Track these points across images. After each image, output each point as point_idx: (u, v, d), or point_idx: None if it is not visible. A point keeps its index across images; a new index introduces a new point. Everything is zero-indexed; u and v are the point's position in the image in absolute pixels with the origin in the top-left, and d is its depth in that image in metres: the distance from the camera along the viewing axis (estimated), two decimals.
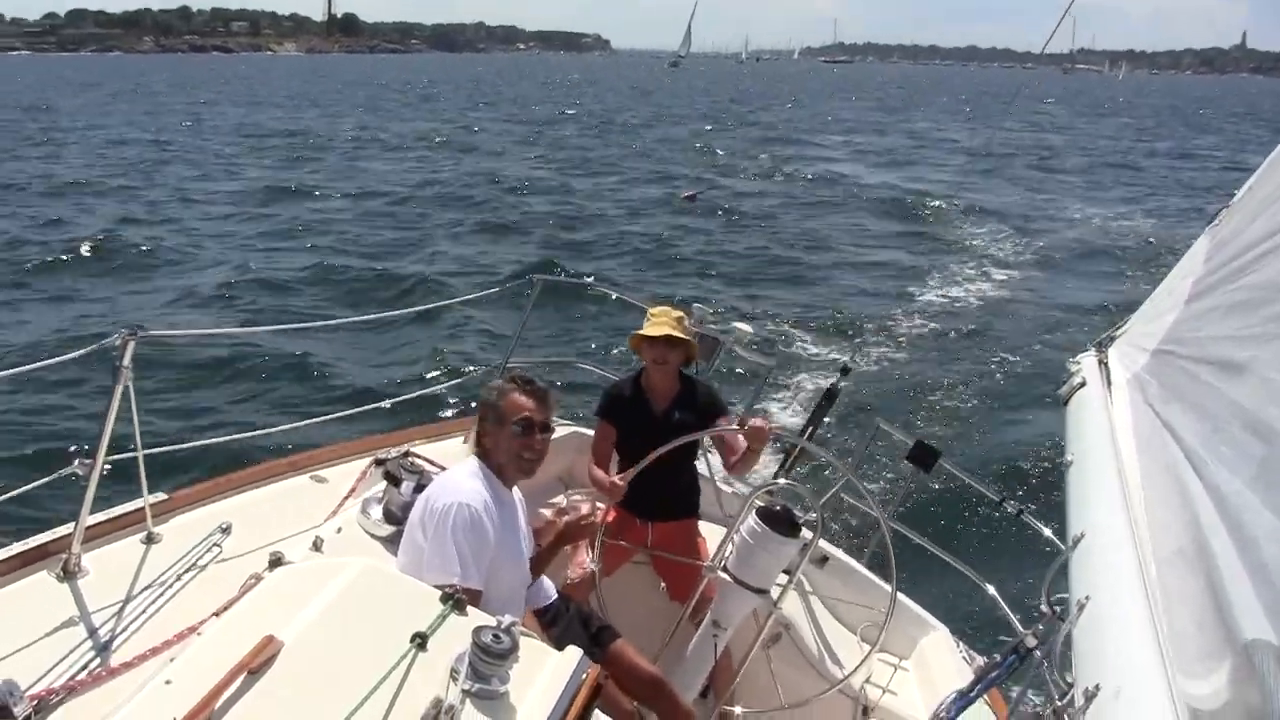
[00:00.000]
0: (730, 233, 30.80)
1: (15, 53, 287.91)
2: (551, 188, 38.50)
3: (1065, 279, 24.79)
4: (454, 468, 4.26)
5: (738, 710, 5.27)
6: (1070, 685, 1.84)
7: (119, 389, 4.04)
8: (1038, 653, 2.38)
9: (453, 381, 6.48)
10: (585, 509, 4.57)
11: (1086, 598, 2.00)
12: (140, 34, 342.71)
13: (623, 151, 52.69)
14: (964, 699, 2.32)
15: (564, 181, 40.22)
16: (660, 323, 5.48)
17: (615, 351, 14.55)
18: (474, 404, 4.18)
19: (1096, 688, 1.69)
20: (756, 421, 5.16)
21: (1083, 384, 3.44)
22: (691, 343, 5.58)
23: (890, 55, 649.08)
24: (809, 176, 44.10)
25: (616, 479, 5.16)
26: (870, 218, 34.68)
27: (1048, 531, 5.79)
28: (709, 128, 68.53)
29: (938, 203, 37.04)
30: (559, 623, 4.52)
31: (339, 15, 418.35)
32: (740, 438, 5.34)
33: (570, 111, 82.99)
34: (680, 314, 5.60)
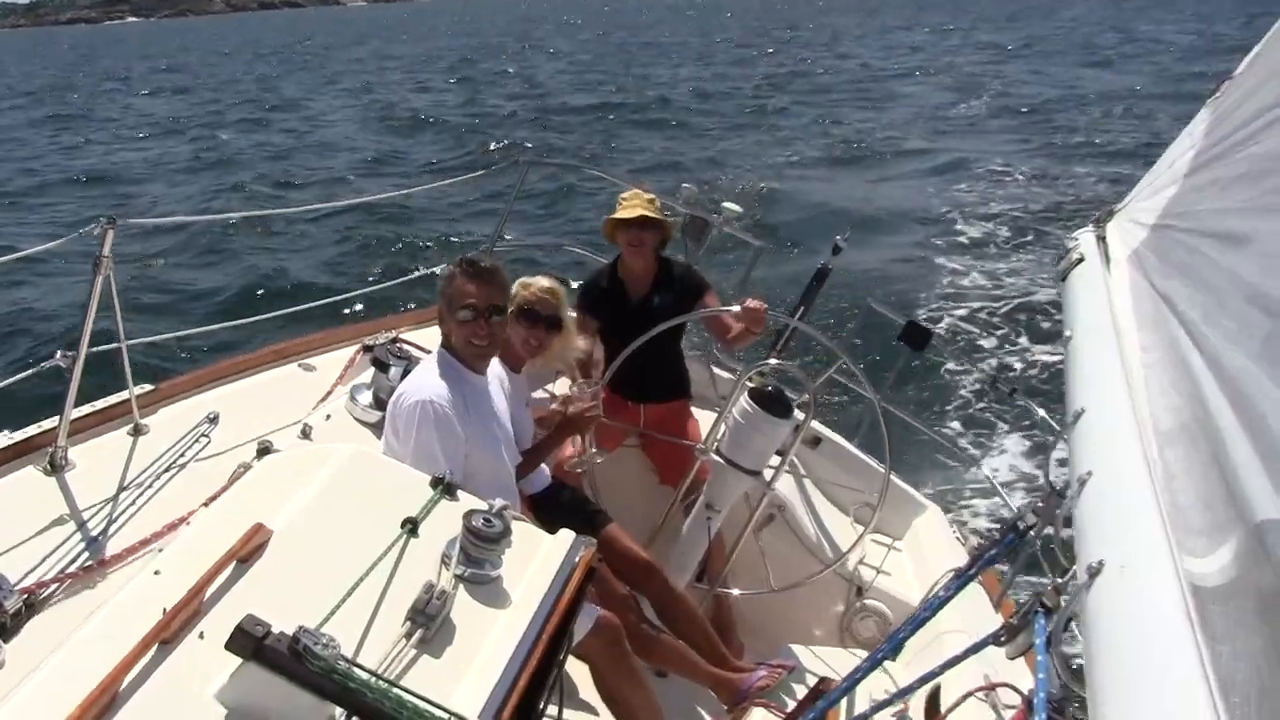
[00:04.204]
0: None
1: (117, 22, 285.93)
2: None
3: (1071, 162, 24.51)
4: (422, 362, 4.16)
5: (732, 592, 5.30)
6: (1071, 563, 1.81)
7: (99, 279, 3.97)
8: (1034, 531, 2.36)
9: (441, 265, 6.40)
10: (587, 400, 4.51)
11: (1088, 473, 1.96)
12: None
13: None
14: (962, 577, 2.29)
15: None
16: (632, 205, 5.41)
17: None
18: None
19: (1100, 564, 1.65)
20: (751, 302, 5.09)
21: (1080, 260, 3.38)
22: (666, 223, 5.51)
23: None
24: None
25: (589, 393, 5.08)
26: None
27: (1041, 412, 5.78)
28: None
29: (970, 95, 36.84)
30: (551, 508, 4.50)
31: None
32: (714, 312, 5.30)
33: None
34: (652, 195, 5.52)
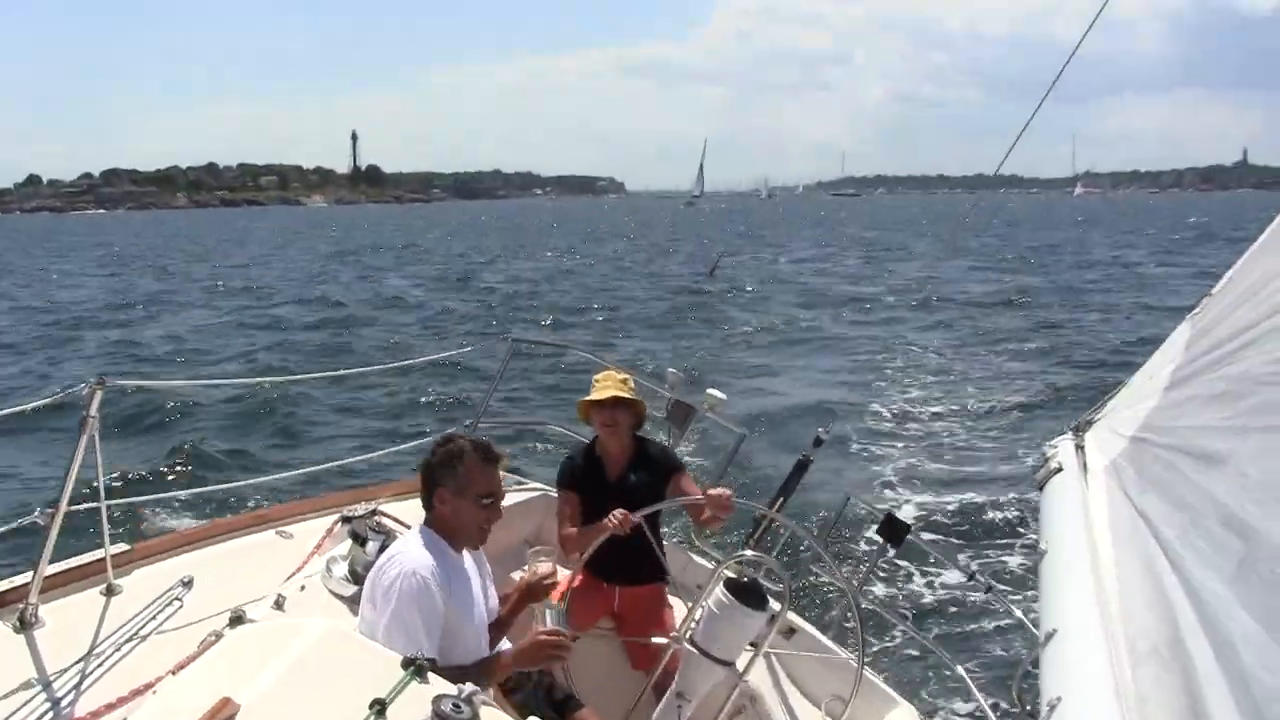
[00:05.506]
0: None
1: (78, 212, 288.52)
2: None
3: (1052, 359, 24.83)
4: (403, 537, 4.20)
5: None
6: None
7: (84, 438, 4.00)
8: None
9: (424, 440, 6.44)
10: (545, 568, 4.50)
11: (1058, 698, 1.97)
12: (174, 190, 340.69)
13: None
14: None
15: None
16: (605, 386, 5.53)
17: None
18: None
19: None
20: (716, 490, 5.15)
21: (1059, 469, 3.42)
22: (640, 401, 5.62)
23: (898, 186, 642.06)
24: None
25: (623, 515, 5.06)
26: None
27: (1018, 612, 5.77)
28: None
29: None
30: (521, 690, 4.45)
31: (363, 167, 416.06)
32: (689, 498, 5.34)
33: None
34: (625, 376, 5.64)
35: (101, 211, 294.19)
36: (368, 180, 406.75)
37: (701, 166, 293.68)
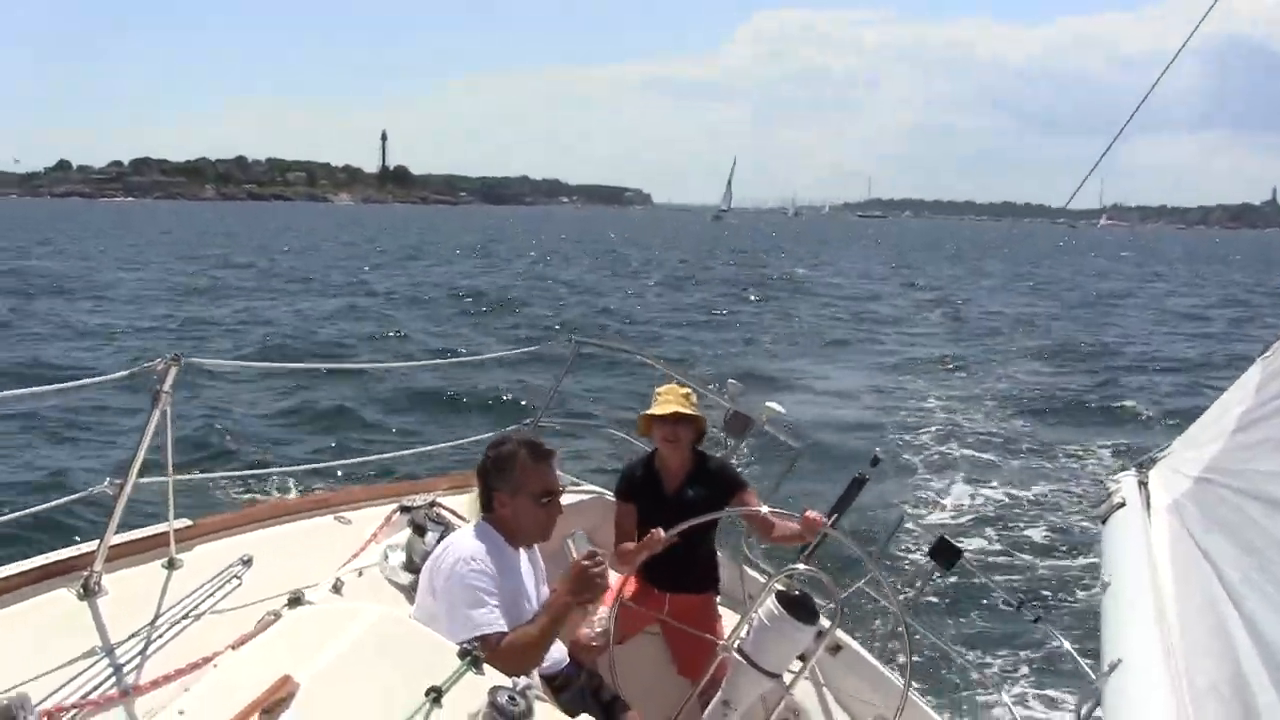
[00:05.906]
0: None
1: (109, 199, 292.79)
2: None
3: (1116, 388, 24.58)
4: (462, 528, 4.29)
5: None
6: None
7: (156, 412, 4.05)
8: None
9: (486, 435, 6.51)
10: (585, 548, 4.25)
11: None
12: (202, 182, 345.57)
13: None
14: None
15: None
16: (668, 401, 5.52)
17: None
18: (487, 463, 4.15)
19: None
20: (814, 514, 5.21)
21: (1122, 504, 3.40)
22: (701, 417, 5.61)
23: (924, 210, 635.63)
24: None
25: (656, 533, 5.10)
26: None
27: (1067, 644, 5.72)
28: None
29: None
30: (569, 689, 4.48)
31: (391, 168, 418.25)
32: (767, 514, 5.36)
33: None
34: (687, 390, 5.63)
35: (130, 199, 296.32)
36: (395, 180, 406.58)
37: (730, 182, 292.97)
